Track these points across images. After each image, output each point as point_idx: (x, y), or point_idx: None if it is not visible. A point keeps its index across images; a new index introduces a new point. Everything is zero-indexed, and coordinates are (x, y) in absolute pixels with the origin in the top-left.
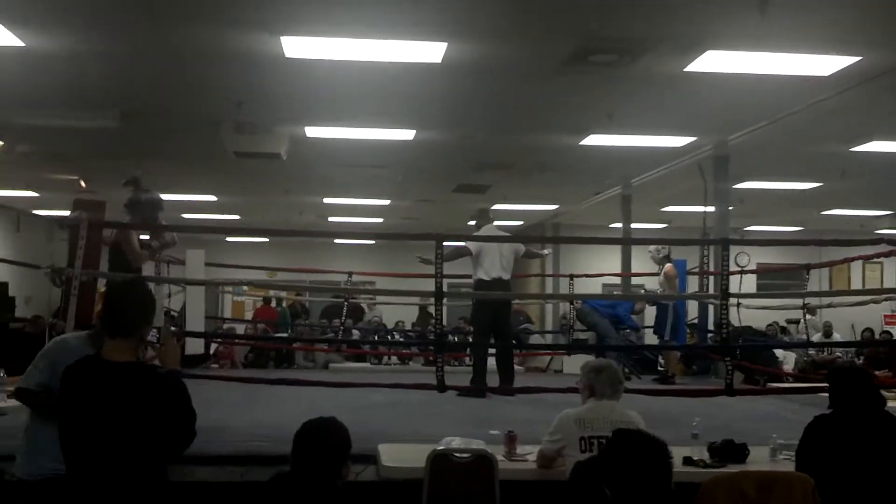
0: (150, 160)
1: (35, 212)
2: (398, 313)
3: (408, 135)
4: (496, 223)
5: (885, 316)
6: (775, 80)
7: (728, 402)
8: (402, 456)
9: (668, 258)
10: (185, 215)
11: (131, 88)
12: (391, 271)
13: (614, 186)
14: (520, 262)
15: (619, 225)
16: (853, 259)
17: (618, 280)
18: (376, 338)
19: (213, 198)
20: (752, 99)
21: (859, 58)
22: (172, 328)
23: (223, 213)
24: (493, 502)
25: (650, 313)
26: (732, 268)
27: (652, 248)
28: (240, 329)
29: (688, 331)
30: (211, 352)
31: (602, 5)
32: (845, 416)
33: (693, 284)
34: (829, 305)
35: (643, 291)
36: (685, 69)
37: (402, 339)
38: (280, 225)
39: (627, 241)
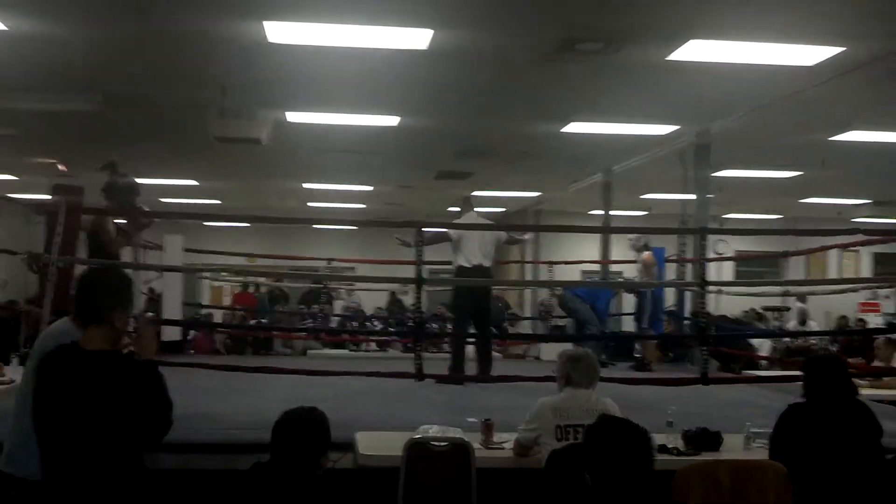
0: (131, 144)
1: (11, 196)
2: (377, 299)
3: (391, 121)
4: (478, 209)
5: (860, 304)
6: (758, 70)
7: (703, 390)
8: (379, 444)
9: (646, 246)
10: (165, 199)
11: (114, 72)
12: (371, 256)
13: (595, 174)
14: (501, 248)
15: (601, 212)
16: (830, 247)
17: (597, 267)
18: (355, 324)
19: (193, 182)
20: (734, 88)
21: (843, 48)
22: (149, 313)
23: (203, 198)
24: (469, 490)
25: (629, 301)
26: (711, 255)
27: (631, 235)
28: (217, 315)
29: (665, 318)
30: (188, 337)
31: None
32: (818, 405)
33: (672, 272)
34: (808, 294)
35: (622, 279)
36: (668, 58)
37: (380, 326)
38: (261, 210)
39: (606, 230)
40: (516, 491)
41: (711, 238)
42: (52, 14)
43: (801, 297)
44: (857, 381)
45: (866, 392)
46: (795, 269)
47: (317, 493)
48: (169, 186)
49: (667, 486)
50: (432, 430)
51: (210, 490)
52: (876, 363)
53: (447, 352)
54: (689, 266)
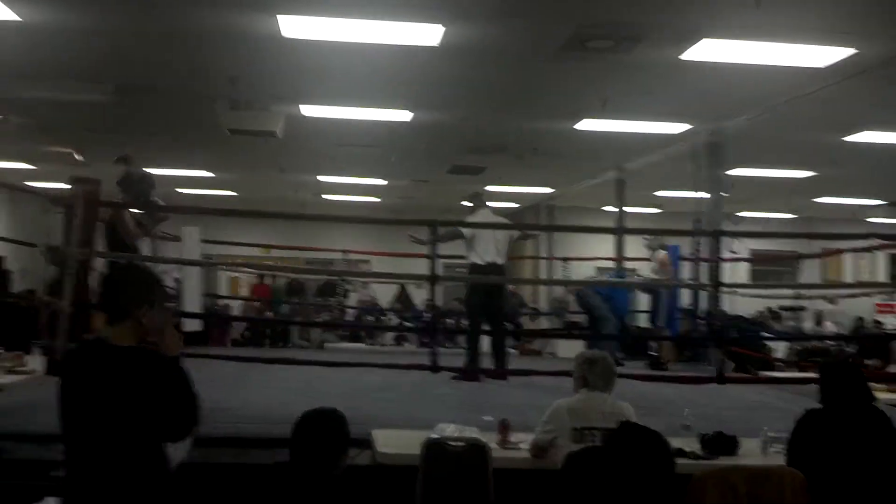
0: (144, 135)
1: (30, 185)
2: (392, 292)
3: (404, 116)
4: (490, 205)
5: (878, 305)
6: (771, 70)
7: (719, 390)
8: (396, 442)
9: (662, 245)
10: (180, 190)
11: (127, 63)
12: (385, 249)
13: (608, 171)
14: (514, 244)
15: (614, 208)
16: (844, 251)
17: (611, 264)
18: (371, 318)
19: (208, 174)
20: (747, 88)
21: (855, 50)
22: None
23: (218, 189)
24: (486, 490)
25: (643, 298)
26: (725, 254)
27: (646, 235)
28: (235, 306)
29: (680, 316)
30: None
31: None
32: (835, 412)
33: (686, 270)
34: (821, 297)
35: (637, 276)
36: (681, 57)
37: (395, 319)
38: (275, 201)
39: (621, 231)
40: (533, 491)
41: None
42: (65, 5)
43: (832, 300)
44: (872, 384)
45: (883, 396)
46: (811, 268)
47: (335, 491)
48: (183, 177)
49: (683, 490)
50: (449, 430)
51: (226, 485)
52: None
53: (462, 347)
54: (704, 265)
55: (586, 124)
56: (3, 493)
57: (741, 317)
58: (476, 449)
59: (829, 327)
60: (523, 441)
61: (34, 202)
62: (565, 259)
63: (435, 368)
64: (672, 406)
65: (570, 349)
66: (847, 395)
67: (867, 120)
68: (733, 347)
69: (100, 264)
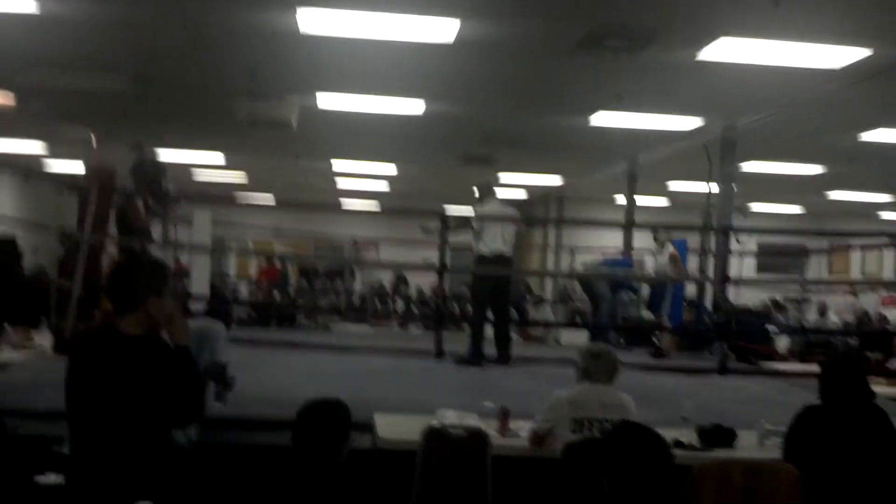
0: (161, 122)
1: (47, 172)
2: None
3: (418, 107)
4: (500, 194)
5: (883, 298)
6: (786, 71)
7: (719, 382)
8: (397, 427)
9: (669, 238)
10: (194, 173)
11: (144, 54)
12: (394, 234)
13: (620, 163)
14: (521, 233)
15: (624, 199)
16: (851, 247)
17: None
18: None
19: (221, 157)
20: (761, 87)
21: (870, 52)
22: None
23: (231, 173)
24: (485, 478)
25: (645, 288)
26: (733, 245)
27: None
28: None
29: (685, 306)
30: None
31: None
32: (834, 409)
33: (693, 262)
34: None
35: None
36: (696, 56)
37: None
38: (288, 185)
39: (630, 225)
40: (532, 479)
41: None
42: None
43: (854, 292)
44: (873, 376)
45: (883, 390)
46: (818, 261)
47: (337, 478)
48: (197, 162)
49: (680, 481)
50: (449, 416)
51: (231, 466)
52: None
53: (468, 330)
54: (711, 257)
55: (599, 119)
56: (6, 468)
57: (748, 309)
58: (476, 437)
59: (833, 318)
60: (523, 429)
61: (47, 182)
62: (573, 250)
63: (439, 354)
64: (672, 396)
65: (574, 336)
66: (847, 392)
67: (882, 119)
68: (740, 342)
69: (111, 248)
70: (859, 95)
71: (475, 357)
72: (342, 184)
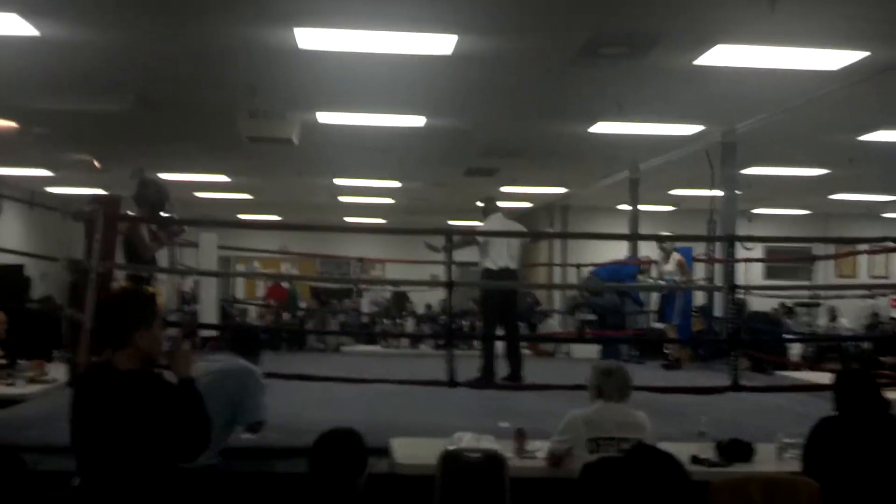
0: (164, 143)
1: (52, 206)
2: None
3: (418, 121)
4: (503, 206)
5: (893, 300)
6: (784, 74)
7: (734, 393)
8: (414, 451)
9: (674, 247)
10: (198, 194)
11: (146, 75)
12: (400, 251)
13: (622, 171)
14: (527, 248)
15: (628, 207)
16: (858, 253)
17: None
18: (386, 321)
19: (225, 178)
20: (760, 91)
21: (867, 53)
22: (186, 307)
23: (235, 192)
24: (503, 500)
25: (655, 297)
26: (740, 252)
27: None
28: (251, 310)
29: (695, 314)
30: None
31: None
32: (849, 420)
33: (699, 270)
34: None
35: (650, 279)
36: (694, 62)
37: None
38: (291, 204)
39: (634, 237)
40: (549, 500)
41: (741, 230)
42: (82, 21)
43: (871, 294)
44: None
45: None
46: (826, 264)
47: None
48: (201, 182)
49: (698, 498)
50: (466, 439)
51: (249, 495)
52: None
53: (478, 349)
54: (717, 265)
55: (600, 127)
56: None
57: (764, 314)
58: (492, 459)
59: (844, 323)
60: (539, 450)
61: (52, 207)
62: (579, 266)
63: (451, 384)
64: (687, 409)
65: (585, 351)
66: (861, 402)
67: (881, 120)
68: (754, 353)
69: (118, 277)
70: (858, 97)
71: (487, 376)
72: (346, 200)
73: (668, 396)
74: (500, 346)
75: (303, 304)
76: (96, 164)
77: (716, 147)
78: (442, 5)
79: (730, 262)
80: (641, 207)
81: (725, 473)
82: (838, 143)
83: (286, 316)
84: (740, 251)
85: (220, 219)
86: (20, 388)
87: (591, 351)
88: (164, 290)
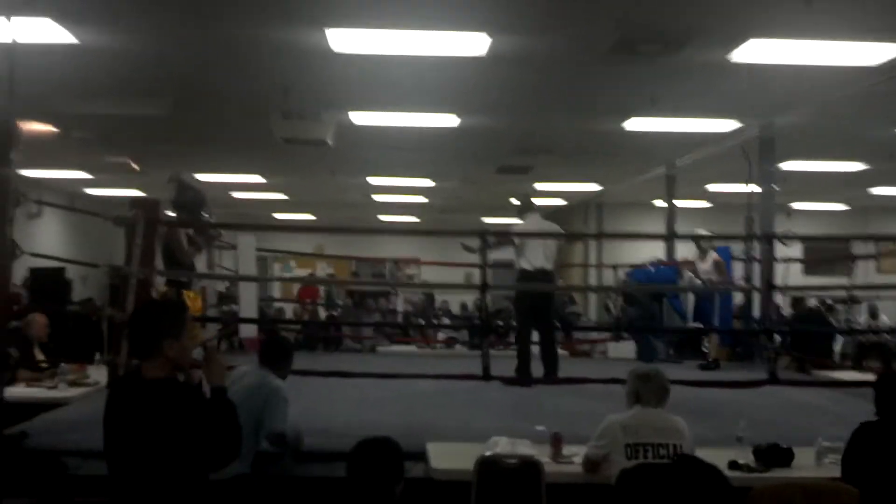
0: (200, 144)
1: (94, 211)
2: (441, 294)
3: (452, 121)
4: (540, 204)
5: None
6: (821, 69)
7: (773, 392)
8: (450, 456)
9: (712, 245)
10: (234, 194)
11: (182, 79)
12: (434, 251)
13: (658, 167)
14: (563, 250)
15: (664, 203)
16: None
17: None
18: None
19: (260, 178)
20: (797, 86)
21: None
22: (225, 307)
23: (270, 192)
24: None
25: (691, 297)
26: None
27: (699, 231)
28: (288, 309)
29: (738, 317)
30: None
31: None
32: (891, 426)
33: (738, 269)
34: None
35: (689, 277)
36: (730, 58)
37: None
38: (325, 203)
39: (670, 237)
40: None
41: (780, 225)
42: (120, 28)
43: None
44: None
45: None
46: (866, 261)
47: None
48: (237, 182)
49: (737, 502)
50: (502, 444)
51: (286, 499)
52: None
53: (514, 348)
54: (756, 263)
55: (635, 124)
56: None
57: (810, 311)
58: (529, 466)
59: (885, 320)
60: (576, 455)
61: (93, 209)
62: (615, 266)
63: (486, 377)
64: (724, 409)
65: (622, 350)
66: None
67: None
68: (804, 355)
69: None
70: None
71: (523, 376)
72: (380, 199)
73: (704, 395)
74: (535, 347)
75: (339, 302)
76: (134, 166)
77: (753, 142)
78: (475, 6)
79: (768, 261)
80: (677, 203)
81: (764, 479)
82: (879, 138)
83: (323, 314)
84: (779, 248)
85: (256, 222)
86: (62, 392)
87: (628, 351)
88: (202, 293)
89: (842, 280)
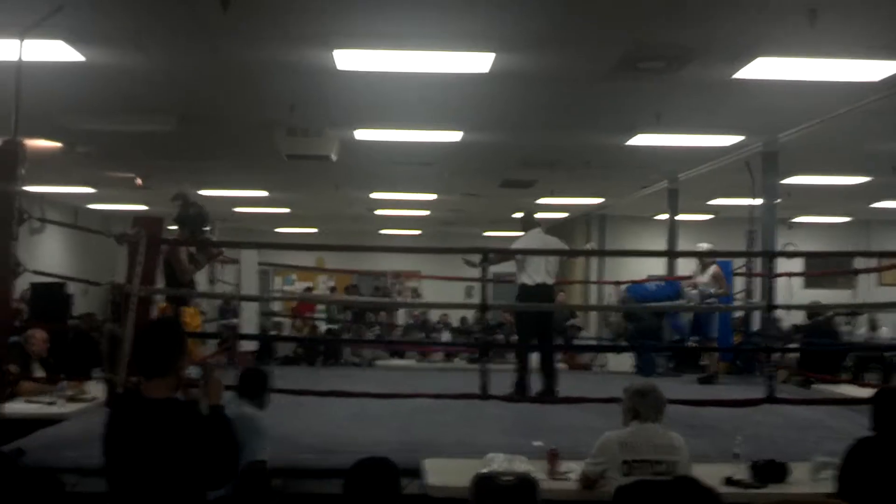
0: (205, 160)
1: (97, 229)
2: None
3: (455, 136)
4: (541, 218)
5: None
6: (824, 86)
7: (770, 406)
8: (447, 473)
9: (714, 260)
10: (237, 209)
11: (188, 96)
12: (435, 264)
13: (661, 181)
14: (564, 264)
15: (666, 216)
16: None
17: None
18: (422, 335)
19: (264, 193)
20: (800, 103)
21: None
22: (224, 321)
23: (274, 207)
24: None
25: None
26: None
27: (702, 245)
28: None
29: (739, 331)
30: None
31: (650, 14)
32: (888, 441)
33: (738, 283)
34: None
35: (693, 291)
36: (733, 75)
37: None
38: (328, 216)
39: (672, 255)
40: None
41: (780, 238)
42: (125, 47)
43: None
44: None
45: None
46: (867, 275)
47: None
48: (240, 197)
49: None
50: (498, 460)
51: None
52: None
53: (512, 362)
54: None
55: (638, 140)
56: None
57: (828, 323)
58: (525, 483)
59: (885, 333)
60: (573, 471)
61: (95, 223)
62: (617, 283)
63: (484, 396)
64: (722, 424)
65: (621, 363)
66: None
67: None
68: (810, 374)
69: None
70: None
71: (521, 391)
72: (383, 213)
73: (702, 410)
74: (534, 360)
75: (339, 317)
76: (139, 181)
77: (756, 157)
78: (479, 24)
79: (768, 276)
80: (679, 217)
81: (760, 495)
82: (881, 152)
83: (323, 328)
84: (780, 262)
85: (257, 240)
86: (60, 408)
87: (627, 364)
88: (201, 309)
89: (844, 293)
